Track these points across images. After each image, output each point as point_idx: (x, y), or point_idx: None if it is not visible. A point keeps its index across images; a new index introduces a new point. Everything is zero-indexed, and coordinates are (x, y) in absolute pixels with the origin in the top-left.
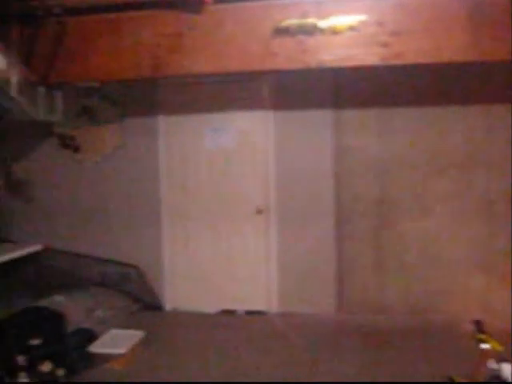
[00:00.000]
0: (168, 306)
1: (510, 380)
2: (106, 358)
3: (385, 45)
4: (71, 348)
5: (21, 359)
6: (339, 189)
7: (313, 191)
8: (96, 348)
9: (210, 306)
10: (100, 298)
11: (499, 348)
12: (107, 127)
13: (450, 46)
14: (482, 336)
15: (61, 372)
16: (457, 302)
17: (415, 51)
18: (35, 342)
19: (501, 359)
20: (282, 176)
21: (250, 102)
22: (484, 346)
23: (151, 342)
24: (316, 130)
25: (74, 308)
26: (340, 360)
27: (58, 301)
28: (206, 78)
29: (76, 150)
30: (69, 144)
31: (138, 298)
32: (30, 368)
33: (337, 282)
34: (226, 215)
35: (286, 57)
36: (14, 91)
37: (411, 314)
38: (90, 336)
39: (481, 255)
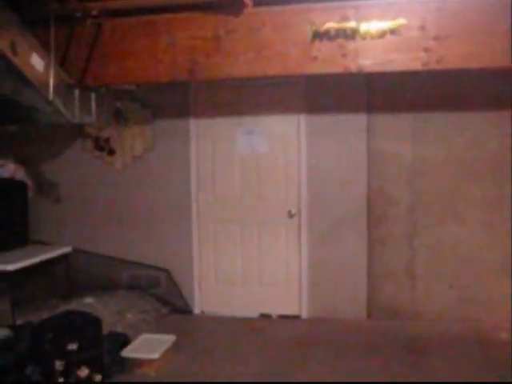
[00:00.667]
0: (197, 309)
1: None
2: (139, 362)
3: (426, 50)
4: (106, 353)
5: (58, 364)
6: (372, 194)
7: (345, 196)
8: (129, 353)
9: (241, 311)
10: (129, 301)
11: None
12: (138, 129)
13: (493, 52)
14: None
15: (98, 377)
16: (489, 310)
17: (457, 56)
18: (73, 346)
19: None
20: (314, 180)
21: (282, 106)
22: None
23: (183, 347)
24: (349, 134)
25: (103, 310)
26: (371, 366)
27: (87, 303)
28: (241, 81)
29: (110, 152)
30: (103, 146)
31: (168, 301)
32: (68, 373)
33: (368, 288)
34: (258, 219)
35: (325, 61)
36: (51, 94)
37: (443, 321)
38: (124, 340)
39: None
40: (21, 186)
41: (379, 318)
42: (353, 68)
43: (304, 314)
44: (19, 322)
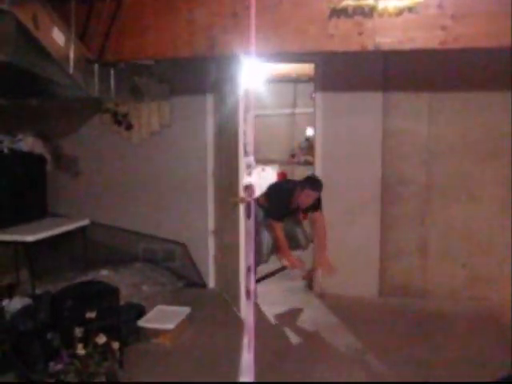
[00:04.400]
0: (212, 283)
1: None
2: (155, 332)
3: (444, 28)
4: (123, 322)
5: (78, 331)
6: (386, 172)
7: (359, 174)
8: (145, 323)
9: None
10: (145, 274)
11: None
12: (155, 105)
13: (509, 30)
14: None
15: (115, 345)
16: (501, 290)
17: (474, 35)
18: (91, 314)
19: None
20: (328, 157)
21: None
22: None
23: (197, 319)
24: (364, 112)
25: (120, 283)
26: (380, 342)
27: (104, 275)
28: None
29: (128, 127)
30: (121, 121)
31: (183, 275)
32: (86, 340)
33: (380, 266)
34: None
35: (342, 38)
36: (71, 68)
37: (454, 300)
38: (140, 311)
39: None
40: (39, 159)
41: (391, 296)
42: (370, 46)
43: (317, 290)
44: (38, 291)
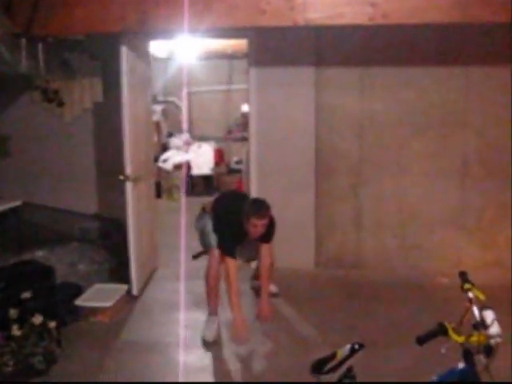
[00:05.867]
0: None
1: (490, 324)
2: (93, 311)
3: (373, 4)
4: (59, 302)
5: (13, 312)
6: (319, 146)
7: (294, 148)
8: (82, 302)
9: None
10: (82, 253)
11: (482, 297)
12: (87, 81)
13: (435, 8)
14: (468, 286)
15: (52, 324)
16: (430, 257)
17: (402, 11)
18: (26, 295)
19: (483, 307)
20: (262, 132)
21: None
22: (470, 294)
23: (135, 296)
24: (297, 87)
25: (56, 262)
26: (317, 311)
27: (40, 256)
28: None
29: (60, 104)
30: (52, 98)
31: (120, 252)
32: (22, 320)
33: (316, 238)
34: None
35: (273, 14)
36: None
37: (387, 269)
38: (76, 290)
39: (455, 213)
40: None
41: (326, 267)
42: (300, 21)
43: (253, 264)
44: None
